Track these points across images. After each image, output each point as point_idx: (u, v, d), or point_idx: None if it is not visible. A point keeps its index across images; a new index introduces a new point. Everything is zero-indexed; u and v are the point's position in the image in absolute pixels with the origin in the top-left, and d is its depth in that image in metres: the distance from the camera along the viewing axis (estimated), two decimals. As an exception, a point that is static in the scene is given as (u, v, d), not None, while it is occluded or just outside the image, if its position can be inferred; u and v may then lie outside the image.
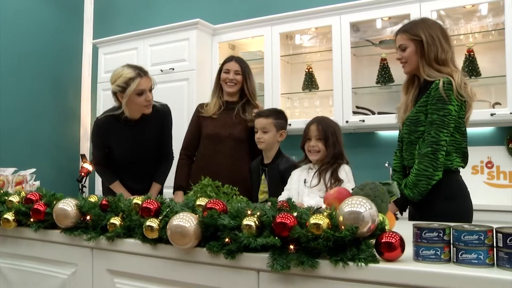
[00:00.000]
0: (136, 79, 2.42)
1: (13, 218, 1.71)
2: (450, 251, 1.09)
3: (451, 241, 1.09)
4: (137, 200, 1.52)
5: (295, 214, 1.22)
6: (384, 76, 3.49)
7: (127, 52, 4.21)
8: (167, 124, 2.73)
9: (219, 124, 2.76)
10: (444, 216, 1.87)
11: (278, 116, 2.56)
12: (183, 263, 1.36)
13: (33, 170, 2.45)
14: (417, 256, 1.11)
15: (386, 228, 1.16)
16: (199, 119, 2.82)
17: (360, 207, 1.15)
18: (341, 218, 1.15)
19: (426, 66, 2.02)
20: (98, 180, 4.31)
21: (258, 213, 1.26)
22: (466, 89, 1.97)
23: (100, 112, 4.34)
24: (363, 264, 1.10)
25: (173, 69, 3.98)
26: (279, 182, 2.50)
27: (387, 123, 3.45)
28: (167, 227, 1.32)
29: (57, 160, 4.67)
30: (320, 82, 3.83)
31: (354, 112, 3.57)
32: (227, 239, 1.28)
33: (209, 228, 1.30)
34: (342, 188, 1.43)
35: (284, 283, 1.20)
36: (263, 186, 2.59)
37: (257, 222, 1.24)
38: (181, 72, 3.96)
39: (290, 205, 1.28)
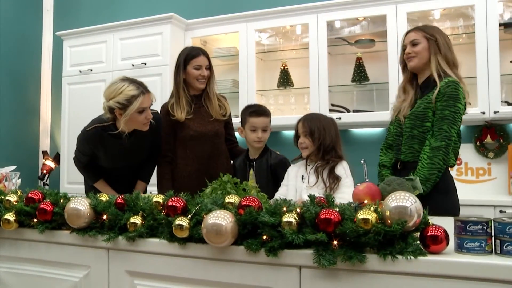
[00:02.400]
0: (139, 97, 2.26)
1: (14, 218, 1.60)
2: (492, 243, 1.14)
3: (493, 234, 1.14)
4: (158, 198, 1.47)
5: (337, 209, 1.23)
6: (360, 75, 3.58)
7: (95, 46, 4.04)
8: (158, 134, 2.59)
9: (199, 122, 2.61)
10: (437, 209, 1.94)
11: (270, 113, 2.57)
12: (215, 262, 1.33)
13: (14, 167, 2.30)
14: (461, 248, 1.15)
15: (430, 221, 1.19)
16: (171, 122, 2.58)
17: (406, 201, 1.17)
18: (387, 213, 1.17)
19: (444, 63, 2.11)
20: (63, 177, 4.12)
21: (298, 210, 1.26)
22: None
23: (65, 108, 4.18)
24: (412, 257, 1.13)
25: (145, 63, 3.87)
26: (269, 177, 2.50)
27: (363, 121, 3.55)
28: (202, 225, 1.29)
29: (15, 157, 4.38)
30: (295, 80, 3.86)
31: (330, 110, 3.62)
32: (265, 237, 1.27)
33: (246, 226, 1.28)
34: (371, 184, 1.46)
35: (329, 279, 1.21)
36: (252, 181, 2.57)
37: (297, 218, 1.24)
38: (154, 67, 3.85)
39: (328, 201, 1.28)
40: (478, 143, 3.37)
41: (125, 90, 2.26)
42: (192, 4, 4.27)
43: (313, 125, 2.22)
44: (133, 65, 3.89)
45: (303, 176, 2.26)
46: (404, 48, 2.24)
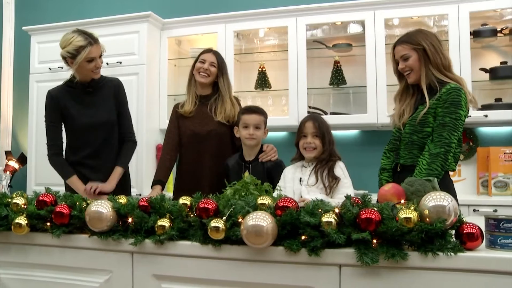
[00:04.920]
0: (87, 47, 2.45)
1: (26, 222, 1.52)
2: (523, 239, 1.22)
3: (522, 230, 1.23)
4: (185, 200, 1.46)
5: (375, 209, 1.27)
6: (338, 78, 3.66)
7: (67, 42, 3.89)
8: (121, 96, 2.68)
9: (197, 122, 2.69)
10: None
11: (265, 113, 2.59)
12: (252, 263, 1.34)
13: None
14: (494, 245, 1.22)
15: (464, 219, 1.26)
16: (177, 119, 2.75)
17: (443, 200, 1.23)
18: (426, 212, 1.23)
19: (436, 71, 2.13)
20: (31, 178, 3.92)
21: (336, 210, 1.29)
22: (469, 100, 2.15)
23: (32, 106, 3.99)
24: (452, 253, 1.19)
25: (120, 62, 3.77)
26: (265, 179, 2.51)
27: (340, 123, 3.62)
28: (242, 227, 1.29)
29: (-26, 158, 4.15)
30: (272, 82, 3.90)
31: (308, 112, 3.68)
32: (303, 237, 1.29)
33: (286, 227, 1.30)
34: (396, 184, 1.51)
35: (369, 277, 1.25)
36: None
37: (336, 218, 1.27)
38: (130, 66, 3.76)
39: (364, 201, 1.32)
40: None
41: (74, 41, 2.45)
42: (168, 3, 4.21)
43: (323, 126, 2.27)
44: (107, 63, 3.74)
45: (300, 178, 2.29)
46: (396, 62, 2.27)
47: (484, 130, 3.49)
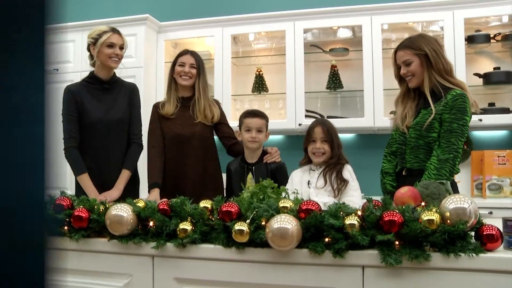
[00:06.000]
0: (108, 32, 2.59)
1: (44, 227, 1.51)
2: (539, 240, 1.27)
3: (539, 231, 1.27)
4: (206, 203, 1.47)
5: (397, 211, 1.30)
6: (335, 82, 3.71)
7: (62, 44, 3.86)
8: (134, 98, 2.73)
9: (179, 124, 2.70)
10: None
11: (267, 117, 2.61)
12: (275, 265, 1.36)
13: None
14: (512, 246, 1.27)
15: (483, 221, 1.30)
16: (159, 119, 2.73)
17: (464, 203, 1.27)
18: (447, 214, 1.26)
19: (438, 77, 2.15)
20: (25, 183, 3.87)
21: (359, 212, 1.32)
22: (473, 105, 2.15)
23: (26, 108, 3.94)
24: (473, 254, 1.22)
25: (117, 65, 3.75)
26: (269, 181, 2.54)
27: (337, 127, 3.60)
28: (267, 229, 1.31)
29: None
30: (269, 85, 3.93)
31: (306, 116, 3.72)
32: (327, 239, 1.31)
33: (310, 229, 1.32)
34: (412, 187, 1.54)
35: (392, 277, 1.28)
36: (251, 185, 2.59)
37: (359, 221, 1.30)
38: (128, 69, 3.71)
39: (385, 204, 1.35)
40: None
41: (99, 28, 2.63)
42: (165, 6, 4.21)
43: (331, 130, 2.30)
44: (104, 66, 3.75)
45: (308, 181, 2.32)
46: (398, 66, 2.28)
47: (478, 134, 3.57)
